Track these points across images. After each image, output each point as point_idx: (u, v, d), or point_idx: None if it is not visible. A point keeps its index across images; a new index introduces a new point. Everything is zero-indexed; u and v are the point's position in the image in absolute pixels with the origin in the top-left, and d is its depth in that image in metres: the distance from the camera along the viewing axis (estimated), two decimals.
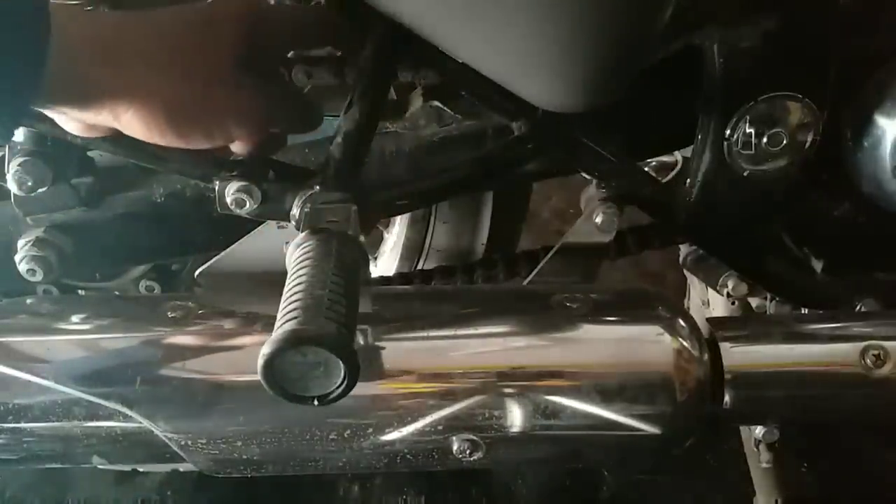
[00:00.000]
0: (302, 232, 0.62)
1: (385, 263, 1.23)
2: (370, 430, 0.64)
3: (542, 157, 0.75)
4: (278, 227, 0.70)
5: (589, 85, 0.63)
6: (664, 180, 0.97)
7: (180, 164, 0.69)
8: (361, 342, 0.63)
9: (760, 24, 0.66)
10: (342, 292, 0.55)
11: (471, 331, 0.65)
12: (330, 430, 0.64)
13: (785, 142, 0.70)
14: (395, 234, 1.21)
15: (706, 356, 0.66)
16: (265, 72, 0.66)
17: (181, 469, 1.15)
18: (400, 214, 1.15)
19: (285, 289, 0.56)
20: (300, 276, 0.56)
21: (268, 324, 0.54)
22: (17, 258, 0.77)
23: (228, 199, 0.66)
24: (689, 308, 1.21)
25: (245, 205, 0.66)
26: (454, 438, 0.64)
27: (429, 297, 0.72)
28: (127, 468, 1.18)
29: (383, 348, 0.63)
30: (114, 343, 0.65)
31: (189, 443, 0.64)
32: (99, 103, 0.57)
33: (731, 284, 0.86)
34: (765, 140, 0.70)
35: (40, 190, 0.74)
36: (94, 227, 0.80)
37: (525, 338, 0.65)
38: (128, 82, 0.57)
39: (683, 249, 0.96)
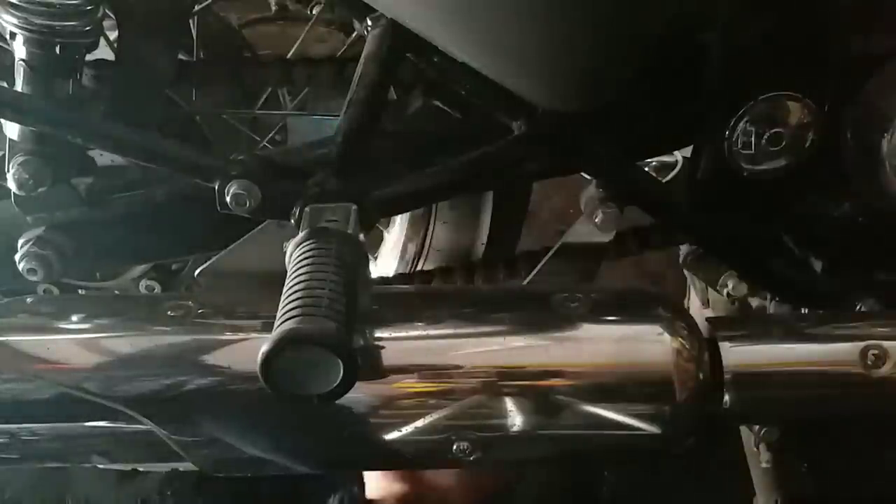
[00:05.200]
0: (302, 231, 0.62)
1: (385, 263, 1.23)
2: (370, 429, 0.64)
3: (542, 157, 0.75)
4: (278, 227, 0.70)
5: (589, 84, 0.63)
6: (664, 180, 0.97)
7: (180, 164, 0.69)
8: (361, 342, 0.63)
9: (760, 23, 0.66)
10: (342, 291, 0.55)
11: (471, 331, 0.65)
12: (329, 430, 0.64)
13: (785, 141, 0.70)
14: (395, 234, 1.22)
15: (706, 356, 0.66)
16: None
17: (181, 469, 1.15)
18: (400, 214, 1.15)
19: (285, 288, 0.56)
20: (300, 275, 0.56)
21: (267, 323, 0.54)
22: (17, 257, 0.77)
23: (228, 199, 0.67)
24: (689, 308, 1.21)
25: (245, 204, 0.66)
26: (454, 438, 0.64)
27: (429, 297, 0.72)
28: (127, 468, 1.17)
29: (383, 348, 0.63)
30: (114, 343, 0.65)
31: (189, 442, 0.64)
32: None
33: (731, 284, 0.86)
34: (765, 140, 0.70)
35: (40, 189, 0.74)
36: (94, 227, 0.80)
37: (525, 338, 0.65)
38: None
39: (683, 249, 0.96)
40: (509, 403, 0.64)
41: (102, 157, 0.81)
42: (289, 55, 1.07)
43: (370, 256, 0.94)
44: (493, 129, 0.75)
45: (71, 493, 1.23)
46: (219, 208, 0.67)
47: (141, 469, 1.19)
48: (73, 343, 0.65)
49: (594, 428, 0.65)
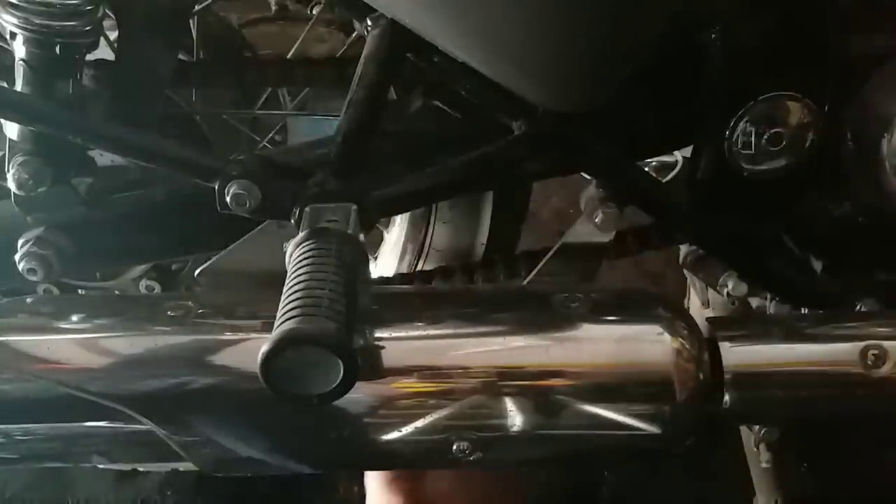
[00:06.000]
0: (302, 231, 0.62)
1: (385, 263, 1.23)
2: (370, 429, 0.64)
3: (542, 157, 0.75)
4: (278, 227, 0.70)
5: (589, 84, 0.63)
6: (664, 180, 0.97)
7: (181, 164, 0.69)
8: (361, 342, 0.63)
9: (760, 23, 0.66)
10: (342, 291, 0.55)
11: (471, 331, 0.65)
12: (329, 430, 0.64)
13: (785, 141, 0.70)
14: (395, 234, 1.21)
15: (706, 356, 0.66)
16: None
17: (181, 469, 1.15)
18: (400, 214, 1.15)
19: (285, 288, 0.56)
20: (300, 275, 0.56)
21: (267, 323, 0.54)
22: (17, 257, 0.77)
23: (228, 199, 0.67)
24: (689, 308, 1.21)
25: (245, 204, 0.66)
26: (454, 438, 0.64)
27: (429, 297, 0.72)
28: (127, 467, 1.18)
29: (383, 348, 0.63)
30: (114, 343, 0.65)
31: (189, 442, 0.64)
32: None
33: (731, 284, 0.86)
34: (765, 140, 0.70)
35: (40, 189, 0.74)
36: (94, 227, 0.80)
37: (525, 338, 0.65)
38: None
39: (683, 249, 0.96)
40: (509, 403, 0.64)
41: (102, 157, 0.82)
42: (289, 55, 1.08)
43: (370, 256, 0.94)
44: (493, 129, 0.75)
45: (71, 493, 1.23)
46: (219, 208, 0.67)
47: (141, 469, 1.20)
48: (73, 343, 0.65)
49: (594, 428, 0.65)
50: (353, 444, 0.65)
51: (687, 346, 0.65)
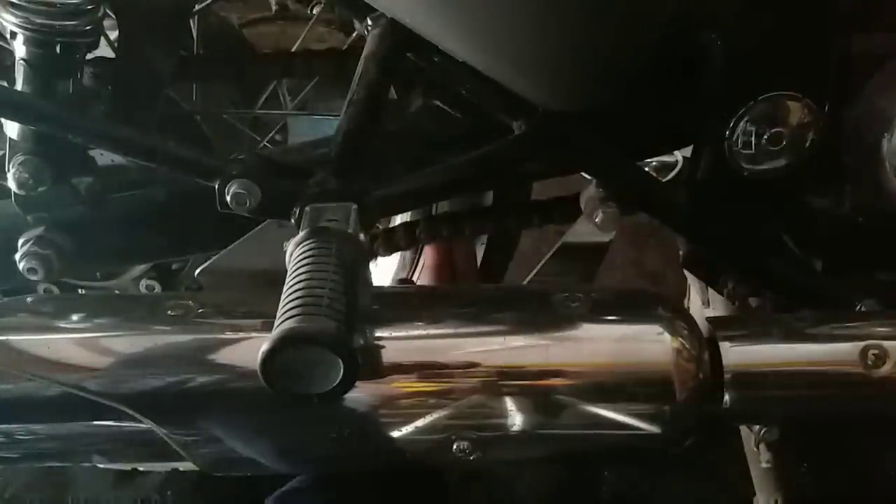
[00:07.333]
0: (302, 230, 0.63)
1: (385, 264, 1.23)
2: (369, 429, 0.64)
3: (542, 157, 0.75)
4: (279, 226, 0.70)
5: (589, 84, 0.64)
6: (664, 180, 0.97)
7: (181, 164, 0.69)
8: (361, 341, 0.63)
9: (760, 23, 0.66)
10: (342, 291, 0.55)
11: (471, 330, 0.65)
12: (329, 429, 0.64)
13: (785, 141, 0.70)
14: None
15: (706, 356, 0.66)
16: None
17: (181, 469, 1.15)
18: (400, 214, 1.15)
19: (285, 287, 0.56)
20: (300, 274, 0.56)
21: (267, 322, 0.54)
22: (17, 257, 0.77)
23: (229, 198, 0.67)
24: (689, 308, 1.21)
25: (245, 203, 0.67)
26: (454, 438, 0.64)
27: (429, 297, 0.72)
28: (127, 467, 1.18)
29: (383, 347, 0.63)
30: (114, 342, 0.65)
31: (189, 442, 0.64)
32: None
33: (731, 284, 0.86)
34: (765, 139, 0.70)
35: (41, 189, 0.74)
36: (95, 227, 0.80)
37: (525, 337, 0.65)
38: None
39: (683, 249, 0.96)
40: (509, 403, 0.64)
41: (102, 157, 0.81)
42: None
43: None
44: (493, 129, 0.75)
45: (71, 493, 1.23)
46: (219, 208, 0.68)
47: (141, 469, 1.19)
48: (73, 342, 0.65)
49: (594, 428, 0.65)
50: (353, 444, 0.65)
51: (687, 346, 0.65)
